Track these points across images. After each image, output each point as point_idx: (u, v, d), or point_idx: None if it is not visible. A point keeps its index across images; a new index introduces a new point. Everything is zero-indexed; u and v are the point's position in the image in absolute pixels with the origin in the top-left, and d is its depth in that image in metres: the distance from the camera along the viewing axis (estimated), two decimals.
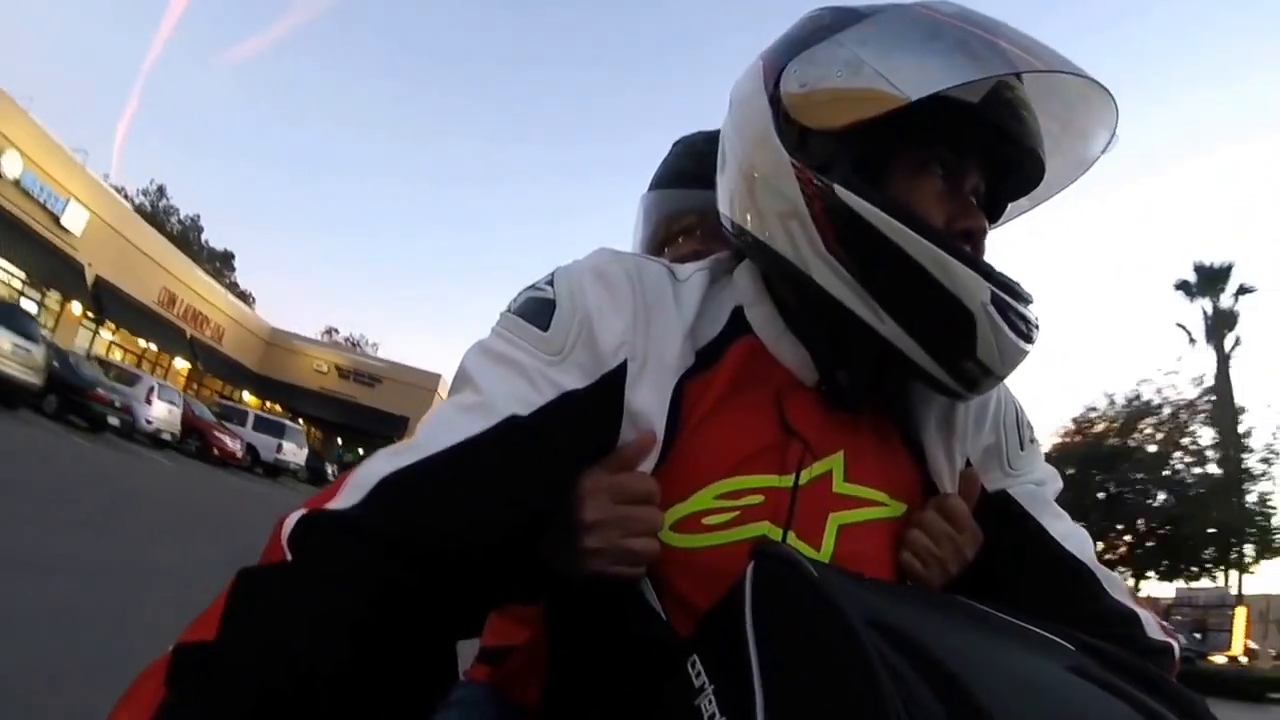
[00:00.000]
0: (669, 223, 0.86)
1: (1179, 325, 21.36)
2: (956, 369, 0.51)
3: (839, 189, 0.50)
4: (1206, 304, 20.83)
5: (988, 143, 0.54)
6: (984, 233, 0.54)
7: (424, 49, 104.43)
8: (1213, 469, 19.28)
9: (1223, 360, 20.32)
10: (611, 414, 0.52)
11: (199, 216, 42.38)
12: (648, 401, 0.52)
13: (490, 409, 0.48)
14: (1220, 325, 20.54)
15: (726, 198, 0.60)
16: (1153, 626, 0.59)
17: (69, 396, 10.49)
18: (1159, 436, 19.85)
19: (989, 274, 0.50)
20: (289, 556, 0.42)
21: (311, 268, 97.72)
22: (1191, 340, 20.69)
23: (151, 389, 12.76)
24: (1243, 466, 18.85)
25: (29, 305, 15.00)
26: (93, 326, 18.26)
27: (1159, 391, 20.11)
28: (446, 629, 0.48)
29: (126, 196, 33.63)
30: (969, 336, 0.49)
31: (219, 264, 41.71)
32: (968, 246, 0.53)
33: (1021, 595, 0.57)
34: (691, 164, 0.86)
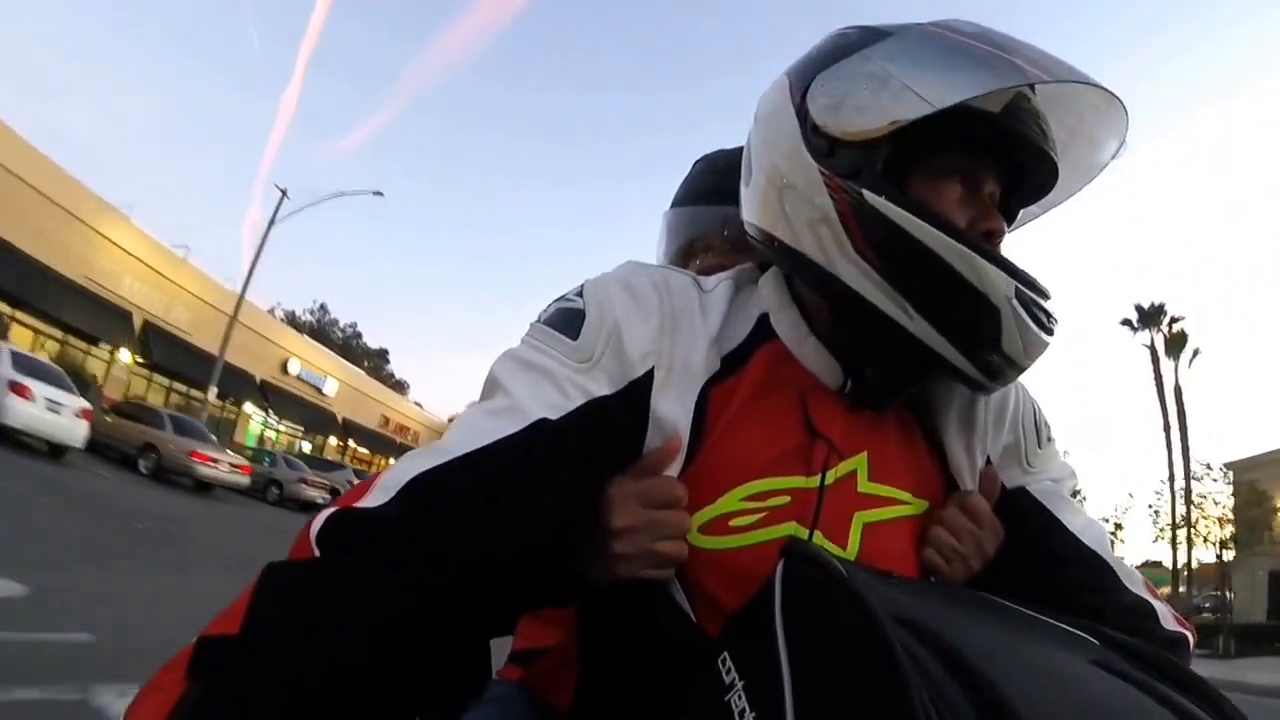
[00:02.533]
0: (691, 238, 0.89)
1: (1145, 346, 26.00)
2: (982, 361, 0.52)
3: (868, 194, 0.52)
4: (1146, 336, 26.17)
5: (1005, 150, 0.55)
6: (1003, 234, 0.56)
7: (543, 110, 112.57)
8: None
9: (1159, 383, 25.34)
10: (638, 421, 0.53)
11: (357, 324, 47.73)
12: (673, 408, 0.53)
13: (520, 413, 0.49)
14: (1173, 348, 25.33)
15: (754, 208, 0.60)
16: (1168, 618, 0.59)
17: None
18: None
19: (1014, 271, 0.51)
20: (317, 553, 0.42)
21: (447, 345, 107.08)
22: (1155, 357, 25.49)
23: None
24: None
25: (305, 445, 27.87)
26: (342, 451, 29.73)
27: None
28: (475, 629, 0.48)
29: (295, 319, 41.61)
30: (995, 330, 0.51)
31: (376, 361, 46.08)
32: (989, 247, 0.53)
33: (1040, 587, 0.57)
34: (712, 181, 0.89)
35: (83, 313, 16.52)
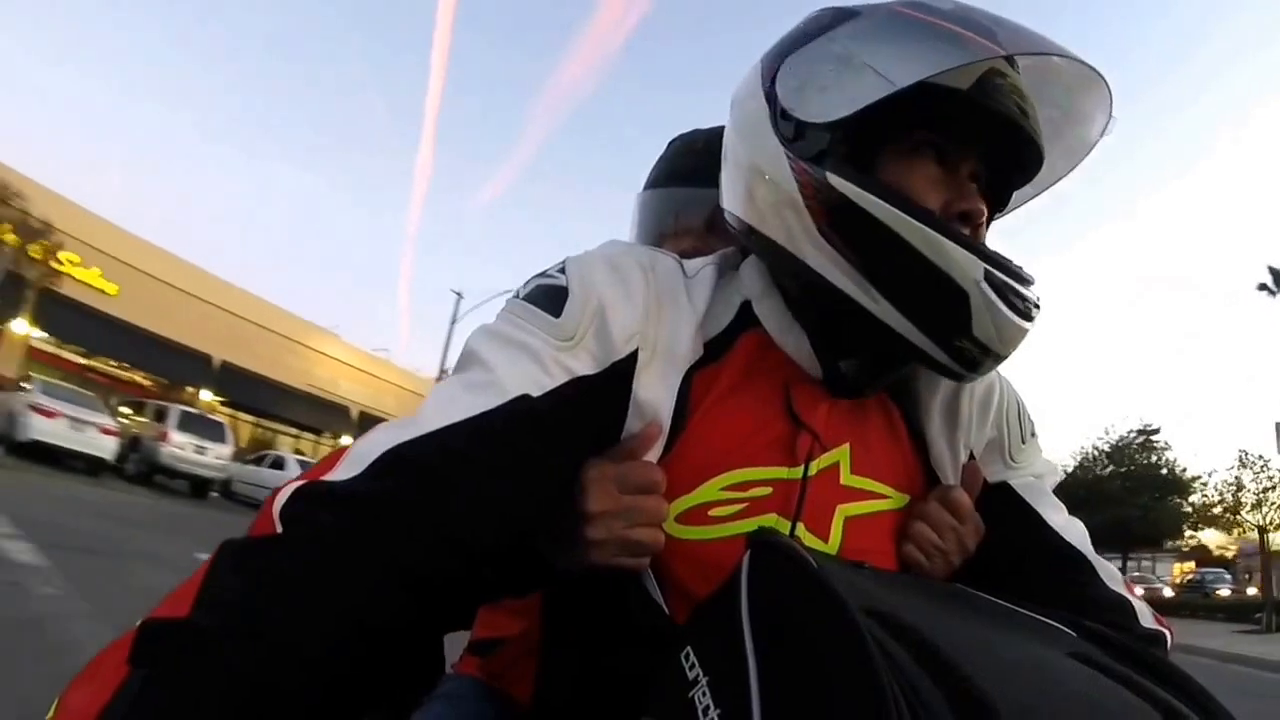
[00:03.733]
0: (665, 221, 0.86)
1: None
2: (954, 348, 0.50)
3: (831, 176, 0.51)
4: None
5: (981, 128, 0.53)
6: (982, 214, 0.54)
7: (684, 109, 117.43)
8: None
9: None
10: (618, 403, 0.51)
11: None
12: (655, 392, 0.52)
13: (500, 388, 0.47)
14: None
15: (728, 194, 0.60)
16: (1145, 615, 0.59)
17: None
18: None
19: (983, 253, 0.50)
20: (279, 529, 0.39)
21: None
22: None
23: None
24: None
25: None
26: None
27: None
28: (438, 616, 0.45)
29: None
30: (964, 314, 0.49)
31: None
32: (966, 230, 0.53)
33: (1019, 583, 0.56)
34: (687, 162, 0.86)
35: (309, 412, 22.41)
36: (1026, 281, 0.51)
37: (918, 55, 0.49)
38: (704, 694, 0.37)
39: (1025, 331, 0.51)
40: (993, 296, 0.49)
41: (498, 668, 0.71)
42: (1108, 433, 28.46)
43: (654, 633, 0.51)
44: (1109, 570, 0.60)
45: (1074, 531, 0.61)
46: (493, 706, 0.68)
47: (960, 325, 0.50)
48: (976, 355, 0.51)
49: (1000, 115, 0.52)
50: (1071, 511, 0.64)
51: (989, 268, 0.49)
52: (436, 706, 0.67)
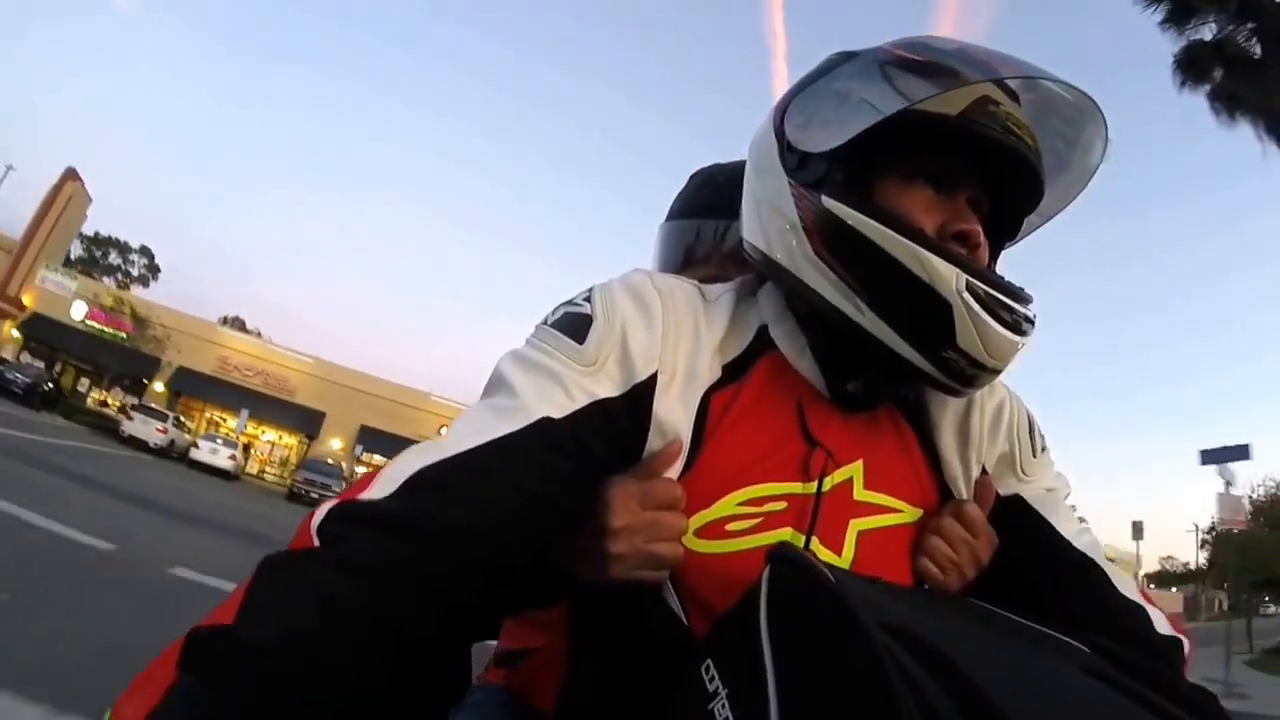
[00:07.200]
0: (687, 251, 0.90)
1: None
2: (941, 360, 0.52)
3: (825, 198, 0.54)
4: None
5: (973, 153, 0.56)
6: (978, 235, 0.56)
7: None
8: None
9: None
10: (639, 424, 0.54)
11: None
12: (675, 412, 0.54)
13: (525, 411, 0.50)
14: None
15: (746, 225, 0.64)
16: (1161, 621, 0.59)
17: None
18: None
19: (966, 265, 0.51)
20: (316, 544, 0.42)
21: None
22: None
23: None
24: None
25: None
26: None
27: None
28: (463, 627, 0.47)
29: None
30: (947, 325, 0.51)
31: None
32: (964, 250, 0.54)
33: (1034, 592, 0.59)
34: (708, 195, 0.90)
35: None
36: (1019, 298, 0.53)
37: (904, 85, 0.53)
38: (724, 706, 0.39)
39: (1015, 345, 0.53)
40: (976, 307, 0.51)
41: (522, 678, 0.73)
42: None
43: (674, 644, 0.53)
44: (1122, 577, 0.61)
45: (1086, 540, 0.62)
46: (518, 716, 0.70)
47: (944, 337, 0.52)
48: (965, 368, 0.53)
49: (987, 138, 0.55)
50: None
51: (971, 279, 0.51)
52: (464, 716, 0.69)
